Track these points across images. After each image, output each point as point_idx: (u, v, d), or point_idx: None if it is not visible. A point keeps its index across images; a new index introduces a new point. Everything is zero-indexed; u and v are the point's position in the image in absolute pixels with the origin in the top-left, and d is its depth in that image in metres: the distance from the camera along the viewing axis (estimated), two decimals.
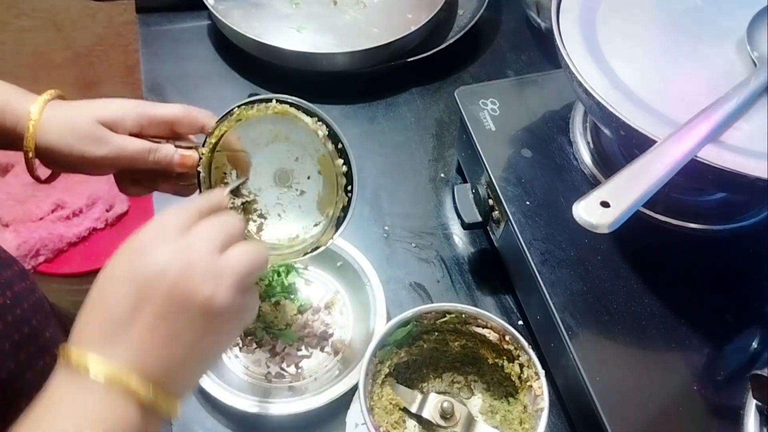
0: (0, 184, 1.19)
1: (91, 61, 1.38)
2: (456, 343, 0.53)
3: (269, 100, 0.49)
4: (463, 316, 0.50)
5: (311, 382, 0.57)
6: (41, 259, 1.12)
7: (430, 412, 0.49)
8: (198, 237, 0.37)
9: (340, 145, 0.48)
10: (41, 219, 1.15)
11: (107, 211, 1.17)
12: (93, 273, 1.16)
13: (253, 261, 0.39)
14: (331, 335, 0.60)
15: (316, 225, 0.51)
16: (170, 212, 0.39)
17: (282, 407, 0.53)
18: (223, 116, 0.49)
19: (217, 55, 0.85)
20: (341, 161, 0.48)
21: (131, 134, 0.49)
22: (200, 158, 0.49)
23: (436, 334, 0.53)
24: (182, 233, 0.37)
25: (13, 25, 1.32)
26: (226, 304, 0.36)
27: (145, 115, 0.49)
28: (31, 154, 0.49)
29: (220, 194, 0.44)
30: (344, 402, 0.53)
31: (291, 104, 0.48)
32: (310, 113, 0.48)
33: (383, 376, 0.51)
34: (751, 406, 0.47)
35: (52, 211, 1.16)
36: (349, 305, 0.62)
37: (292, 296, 0.60)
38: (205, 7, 0.83)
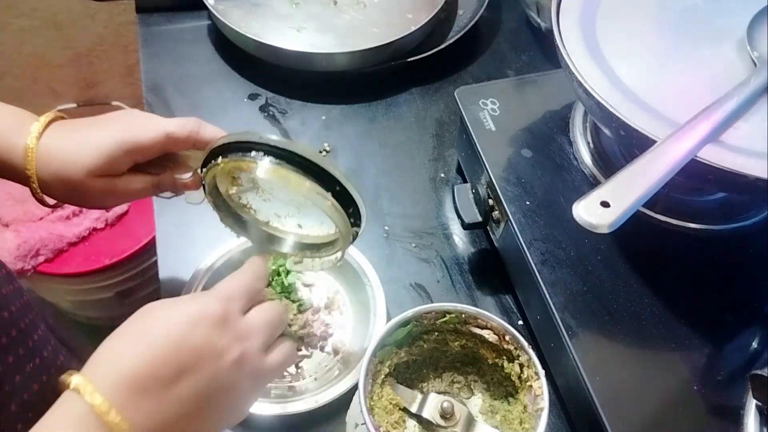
0: (0, 184, 1.19)
1: (91, 61, 1.38)
2: (456, 343, 0.53)
3: (267, 148, 0.42)
4: (463, 316, 0.50)
5: (311, 382, 0.57)
6: (41, 259, 1.12)
7: (430, 412, 0.49)
8: (255, 329, 0.41)
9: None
10: (41, 219, 1.15)
11: (107, 211, 1.17)
12: (93, 273, 1.16)
13: (288, 363, 0.45)
14: (331, 335, 0.60)
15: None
16: (236, 287, 0.42)
17: (282, 407, 0.53)
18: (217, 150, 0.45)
19: (217, 55, 0.85)
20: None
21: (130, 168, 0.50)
22: (204, 186, 0.47)
23: (436, 334, 0.53)
24: (242, 317, 0.41)
25: (13, 25, 1.32)
26: (251, 401, 0.42)
27: (134, 151, 0.49)
28: (35, 186, 0.49)
29: (263, 266, 0.45)
30: (344, 402, 0.53)
31: (290, 162, 0.42)
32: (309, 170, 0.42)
33: (383, 376, 0.51)
34: (751, 406, 0.47)
35: (52, 211, 1.16)
36: (349, 305, 0.62)
37: (292, 296, 0.60)
38: (205, 7, 0.83)
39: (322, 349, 0.59)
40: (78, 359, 0.52)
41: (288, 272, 0.59)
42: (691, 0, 0.59)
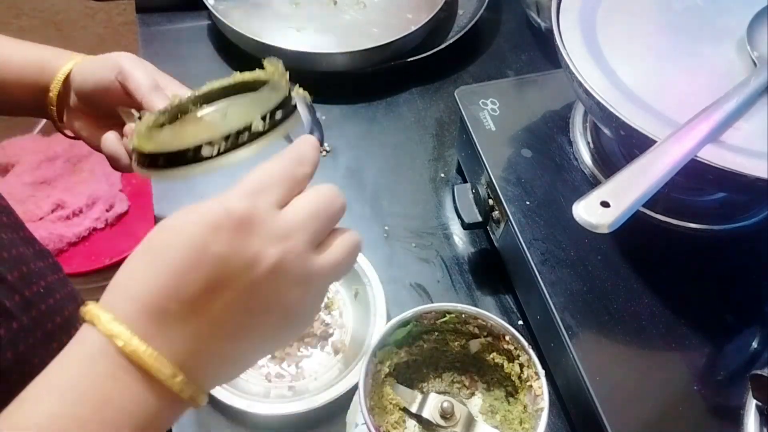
0: (0, 184, 1.19)
1: None
2: (456, 343, 0.53)
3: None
4: (463, 316, 0.51)
5: (311, 382, 0.57)
6: None
7: (430, 412, 0.49)
8: (296, 224, 0.33)
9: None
10: (41, 219, 1.15)
11: (107, 211, 1.17)
12: (93, 273, 1.16)
13: (348, 263, 0.35)
14: (331, 335, 0.60)
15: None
16: (264, 177, 0.33)
17: (282, 407, 0.53)
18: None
19: (217, 55, 0.85)
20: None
21: None
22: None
23: (436, 334, 0.53)
24: (277, 213, 0.33)
25: (13, 25, 1.32)
26: (309, 310, 0.33)
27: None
28: (53, 107, 0.55)
29: (310, 149, 0.36)
30: (345, 402, 0.53)
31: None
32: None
33: (383, 376, 0.51)
34: (751, 406, 0.47)
35: (52, 211, 1.16)
36: (349, 305, 0.62)
37: None
38: (205, 7, 0.83)
39: (322, 348, 0.59)
40: None
41: None
42: (691, 0, 0.59)
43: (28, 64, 0.55)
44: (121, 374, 0.29)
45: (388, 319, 0.56)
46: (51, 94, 0.55)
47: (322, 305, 0.61)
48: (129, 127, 0.51)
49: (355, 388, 0.51)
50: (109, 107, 0.53)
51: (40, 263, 0.47)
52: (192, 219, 0.31)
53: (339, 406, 0.53)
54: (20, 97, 0.56)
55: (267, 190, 0.33)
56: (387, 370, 0.51)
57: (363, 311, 0.60)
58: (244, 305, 0.31)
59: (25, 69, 0.55)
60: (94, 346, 0.30)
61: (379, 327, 0.57)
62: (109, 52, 0.54)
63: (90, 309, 0.30)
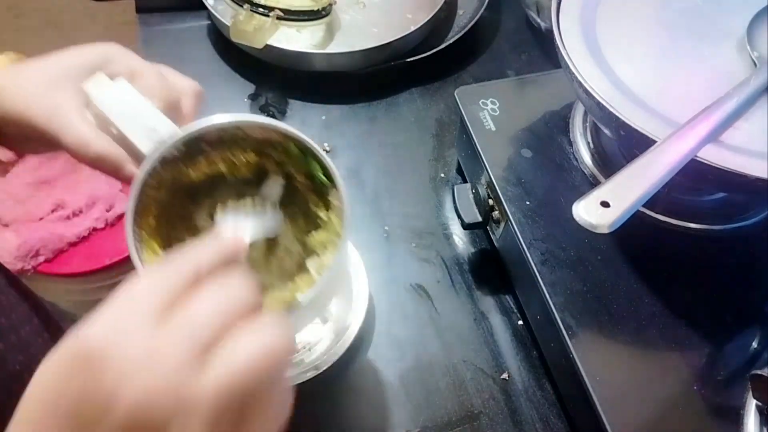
0: (0, 184, 1.19)
1: None
2: (245, 159, 0.44)
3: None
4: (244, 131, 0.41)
5: (306, 353, 0.58)
6: (41, 259, 1.12)
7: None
8: (175, 336, 0.25)
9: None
10: (41, 219, 1.14)
11: (107, 211, 1.17)
12: (93, 273, 1.16)
13: (263, 356, 0.25)
14: None
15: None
16: (148, 278, 0.27)
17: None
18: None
19: (217, 55, 0.85)
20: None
21: None
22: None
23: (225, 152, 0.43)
24: (152, 325, 0.25)
25: (13, 25, 1.32)
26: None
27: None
28: None
29: (232, 244, 0.30)
30: (343, 366, 0.55)
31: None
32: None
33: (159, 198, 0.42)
34: (751, 406, 0.47)
35: (52, 211, 1.15)
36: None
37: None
38: (205, 7, 0.83)
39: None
40: None
41: None
42: (691, 0, 0.59)
43: None
44: None
45: (369, 279, 0.59)
46: None
47: None
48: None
49: (348, 352, 0.55)
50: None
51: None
52: (46, 363, 0.25)
53: (335, 372, 0.55)
54: None
55: (141, 299, 0.26)
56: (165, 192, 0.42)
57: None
58: None
59: None
60: None
61: (362, 287, 0.59)
62: None
63: None
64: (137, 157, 0.40)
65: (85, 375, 0.24)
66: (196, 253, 0.28)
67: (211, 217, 0.43)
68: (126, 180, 0.40)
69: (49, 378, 0.25)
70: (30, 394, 0.25)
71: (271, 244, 0.43)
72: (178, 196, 0.42)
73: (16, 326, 0.44)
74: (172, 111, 0.41)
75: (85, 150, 0.39)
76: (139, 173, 0.39)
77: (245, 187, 0.43)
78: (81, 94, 0.40)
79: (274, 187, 0.43)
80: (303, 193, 0.44)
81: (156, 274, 0.27)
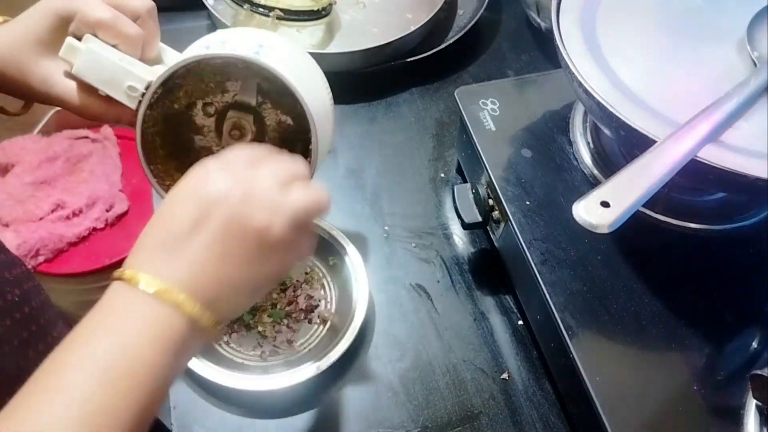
0: (0, 184, 1.19)
1: None
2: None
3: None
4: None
5: (306, 354, 0.58)
6: (41, 259, 1.12)
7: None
8: (263, 172, 0.39)
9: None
10: (41, 219, 1.15)
11: (107, 211, 1.17)
12: (93, 273, 1.16)
13: (313, 202, 0.40)
14: (317, 306, 0.61)
15: None
16: (240, 148, 0.41)
17: (281, 380, 0.54)
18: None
19: None
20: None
21: None
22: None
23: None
24: (248, 168, 0.39)
25: None
26: (279, 236, 0.38)
27: (69, 19, 0.46)
28: None
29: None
30: (342, 366, 0.55)
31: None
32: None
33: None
34: (751, 406, 0.47)
35: (52, 211, 1.16)
36: (329, 276, 0.63)
37: None
38: (205, 7, 0.83)
39: (310, 321, 0.61)
40: None
41: None
42: (691, 0, 0.59)
43: None
44: (142, 310, 0.35)
45: (370, 282, 0.60)
46: None
47: (302, 280, 0.62)
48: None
49: (346, 353, 0.55)
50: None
51: (14, 271, 0.47)
52: (180, 182, 0.39)
53: (334, 372, 0.55)
54: None
55: (237, 155, 0.40)
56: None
57: (344, 280, 0.61)
58: (222, 231, 0.37)
59: None
60: (118, 293, 0.36)
61: (362, 292, 0.59)
62: None
63: (116, 271, 0.37)
64: (125, 108, 0.47)
65: (210, 177, 0.38)
66: (251, 148, 0.41)
67: (205, 112, 0.51)
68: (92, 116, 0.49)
69: (182, 187, 0.38)
70: (167, 203, 0.38)
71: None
72: (172, 118, 0.50)
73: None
74: (138, 46, 0.47)
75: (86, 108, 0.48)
76: (136, 126, 0.47)
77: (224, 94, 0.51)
78: (58, 60, 0.46)
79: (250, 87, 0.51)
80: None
81: (250, 146, 0.41)
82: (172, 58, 0.52)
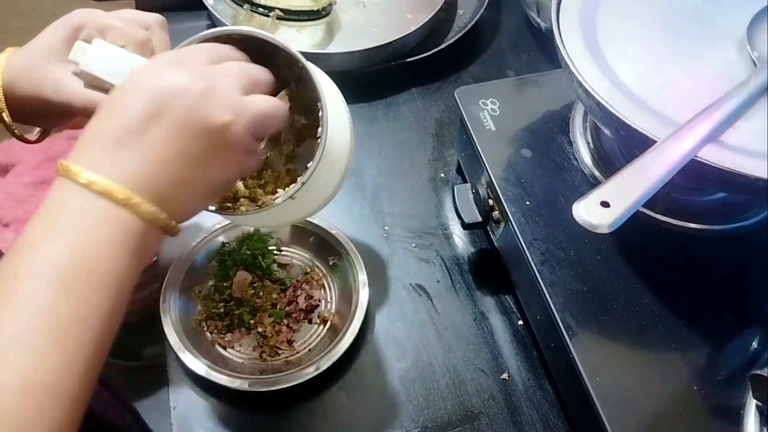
0: (0, 184, 1.19)
1: None
2: None
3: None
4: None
5: (306, 354, 0.58)
6: None
7: None
8: (224, 71, 0.38)
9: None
10: None
11: None
12: None
13: (273, 109, 0.39)
14: (317, 306, 0.61)
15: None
16: (199, 45, 0.40)
17: (281, 380, 0.54)
18: None
19: None
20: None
21: None
22: None
23: None
24: (208, 64, 0.38)
25: (13, 25, 1.32)
26: (238, 137, 0.37)
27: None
28: (8, 120, 0.48)
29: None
30: (342, 366, 0.55)
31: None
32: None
33: None
34: (751, 406, 0.47)
35: None
36: (329, 276, 0.63)
37: (272, 277, 0.62)
38: (205, 7, 0.83)
39: (310, 321, 0.61)
40: None
41: (264, 254, 0.62)
42: (691, 0, 0.59)
43: None
44: (90, 208, 0.33)
45: (370, 282, 0.59)
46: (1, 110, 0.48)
47: (302, 281, 0.62)
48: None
49: (346, 353, 0.55)
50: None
51: None
52: (134, 73, 0.37)
53: (335, 372, 0.56)
54: None
55: (195, 50, 0.39)
56: None
57: (343, 279, 0.62)
58: (180, 126, 0.35)
59: None
60: (63, 190, 0.34)
61: (362, 292, 0.59)
62: None
63: (60, 162, 0.35)
64: None
65: (165, 67, 0.37)
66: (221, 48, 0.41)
67: None
68: None
69: (138, 79, 0.36)
70: (122, 95, 0.36)
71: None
72: None
73: None
74: (146, 48, 0.47)
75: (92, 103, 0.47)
76: None
77: None
78: (70, 64, 0.46)
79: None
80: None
81: (197, 47, 0.40)
82: None
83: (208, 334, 0.59)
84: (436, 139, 0.77)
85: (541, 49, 0.87)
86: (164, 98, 0.35)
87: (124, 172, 0.34)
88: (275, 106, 0.39)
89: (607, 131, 0.55)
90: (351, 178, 0.73)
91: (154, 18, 0.49)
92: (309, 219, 0.62)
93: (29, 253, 0.33)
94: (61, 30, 0.47)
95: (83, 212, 0.34)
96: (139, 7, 0.89)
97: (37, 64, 0.47)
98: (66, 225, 0.33)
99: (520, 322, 0.62)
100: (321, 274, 0.63)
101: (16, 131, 0.50)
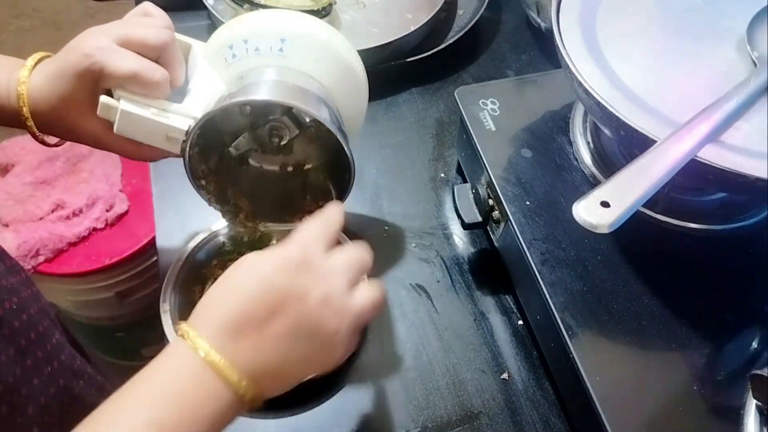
0: (0, 184, 1.19)
1: None
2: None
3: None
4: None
5: None
6: (41, 259, 1.12)
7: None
8: (336, 270, 0.42)
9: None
10: (41, 219, 1.15)
11: (107, 211, 1.17)
12: (93, 273, 1.16)
13: (374, 306, 0.43)
14: None
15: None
16: (312, 233, 0.43)
17: None
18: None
19: None
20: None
21: None
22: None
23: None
24: (324, 260, 0.42)
25: (13, 25, 1.32)
26: (342, 339, 0.41)
27: (99, 79, 0.49)
28: (32, 127, 0.50)
29: (337, 211, 0.46)
30: (341, 366, 0.55)
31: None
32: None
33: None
34: (751, 406, 0.47)
35: (52, 211, 1.16)
36: None
37: None
38: (205, 7, 0.83)
39: None
40: (87, 361, 0.53)
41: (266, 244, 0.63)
42: (691, 0, 0.59)
43: None
44: (200, 378, 0.37)
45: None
46: (24, 112, 0.50)
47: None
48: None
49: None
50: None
51: (12, 279, 0.47)
52: (264, 260, 0.40)
53: (335, 372, 0.56)
54: None
55: (314, 242, 0.43)
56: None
57: None
58: (296, 328, 0.39)
59: None
60: (182, 356, 0.37)
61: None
62: None
63: (181, 326, 0.39)
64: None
65: (293, 273, 0.40)
66: (324, 223, 0.45)
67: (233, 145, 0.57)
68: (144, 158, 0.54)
69: (266, 270, 0.40)
70: (246, 279, 0.40)
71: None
72: (214, 140, 0.56)
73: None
74: (166, 88, 0.49)
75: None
76: (184, 164, 0.52)
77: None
78: (100, 118, 0.50)
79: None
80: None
81: (317, 230, 0.44)
82: (199, 65, 0.54)
83: None
84: (436, 139, 0.77)
85: (541, 49, 0.87)
86: (288, 297, 0.39)
87: (238, 355, 0.37)
88: (374, 300, 0.43)
89: (607, 131, 0.55)
90: None
91: (159, 41, 0.49)
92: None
93: (134, 404, 0.36)
94: (79, 82, 0.48)
95: (194, 381, 0.37)
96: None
97: (68, 117, 0.50)
98: (174, 388, 0.37)
99: (520, 322, 0.62)
100: None
101: (39, 136, 0.53)
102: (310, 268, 0.40)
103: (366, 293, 0.43)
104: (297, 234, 0.43)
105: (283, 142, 0.55)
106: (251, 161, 0.61)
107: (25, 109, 0.49)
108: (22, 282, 0.48)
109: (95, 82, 0.48)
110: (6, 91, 0.50)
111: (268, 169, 0.61)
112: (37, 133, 0.52)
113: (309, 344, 0.40)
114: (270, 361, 0.39)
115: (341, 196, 0.55)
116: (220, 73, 0.53)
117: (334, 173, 0.59)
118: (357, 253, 0.44)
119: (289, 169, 0.61)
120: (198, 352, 0.37)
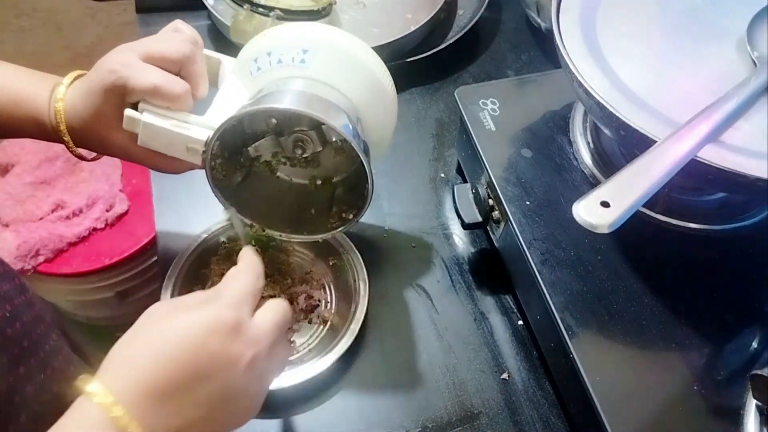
0: (0, 184, 1.19)
1: (91, 61, 1.37)
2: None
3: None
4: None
5: (307, 354, 0.58)
6: (41, 259, 1.12)
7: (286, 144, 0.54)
8: (265, 333, 0.41)
9: None
10: (41, 219, 1.15)
11: (107, 211, 1.17)
12: (93, 273, 1.16)
13: (287, 358, 0.46)
14: (317, 306, 0.61)
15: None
16: (242, 291, 0.42)
17: (281, 380, 0.54)
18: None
19: None
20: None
21: None
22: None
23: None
24: (253, 323, 0.41)
25: (13, 25, 1.32)
26: (260, 400, 0.42)
27: (124, 95, 0.50)
28: (69, 143, 0.53)
29: (259, 263, 0.46)
30: (343, 366, 0.56)
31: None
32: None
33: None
34: (751, 406, 0.47)
35: (52, 211, 1.16)
36: (330, 276, 0.63)
37: (281, 267, 0.62)
38: (205, 7, 0.83)
39: (310, 321, 0.61)
40: (86, 362, 0.53)
41: (274, 247, 0.63)
42: (691, 0, 0.59)
43: (21, 100, 0.53)
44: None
45: (370, 281, 0.60)
46: (61, 128, 0.52)
47: (302, 282, 0.64)
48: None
49: (347, 353, 0.56)
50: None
51: (5, 286, 0.46)
52: (194, 322, 0.38)
53: (335, 372, 0.56)
54: (26, 129, 0.54)
55: (244, 302, 0.42)
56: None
57: (344, 280, 0.62)
58: (221, 394, 0.38)
59: (20, 104, 0.53)
60: (94, 420, 0.35)
61: (362, 292, 0.59)
62: (108, 51, 0.53)
63: (91, 387, 0.36)
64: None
65: (225, 337, 0.39)
66: (252, 279, 0.44)
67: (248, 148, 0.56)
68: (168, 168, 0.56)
69: (196, 333, 0.38)
70: (171, 340, 0.37)
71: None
72: (235, 149, 0.56)
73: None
74: (188, 100, 0.50)
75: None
76: (206, 173, 0.52)
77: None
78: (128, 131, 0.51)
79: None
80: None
81: (246, 282, 0.43)
82: (225, 76, 0.56)
83: None
84: (436, 139, 0.77)
85: (541, 49, 0.87)
86: (218, 363, 0.38)
87: (158, 422, 0.36)
88: (288, 351, 0.47)
89: (607, 131, 0.55)
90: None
91: (181, 54, 0.51)
92: None
93: None
94: (105, 97, 0.50)
95: None
96: (139, 7, 0.90)
97: (98, 131, 0.52)
98: None
99: (520, 322, 0.62)
100: (321, 274, 0.63)
101: (75, 151, 0.55)
102: (241, 332, 0.39)
103: (285, 351, 0.44)
104: (227, 290, 0.42)
105: (305, 154, 0.55)
106: (280, 174, 0.60)
107: (62, 125, 0.52)
108: (15, 289, 0.47)
109: (122, 97, 0.49)
110: (47, 108, 0.52)
111: (296, 182, 0.61)
112: (75, 148, 0.54)
113: (230, 408, 0.39)
114: (188, 425, 0.37)
115: (357, 213, 0.54)
116: (246, 86, 0.53)
117: (347, 187, 0.59)
118: (281, 311, 0.43)
119: (318, 182, 0.60)
120: (116, 421, 0.35)
